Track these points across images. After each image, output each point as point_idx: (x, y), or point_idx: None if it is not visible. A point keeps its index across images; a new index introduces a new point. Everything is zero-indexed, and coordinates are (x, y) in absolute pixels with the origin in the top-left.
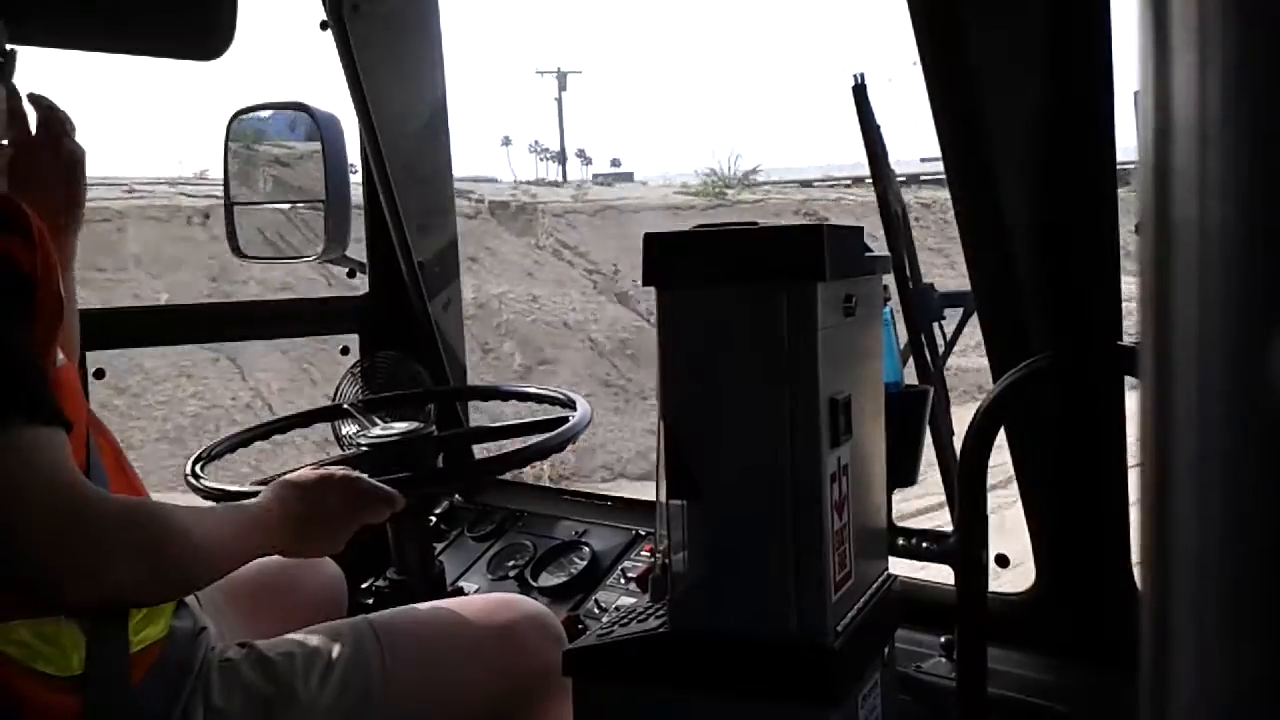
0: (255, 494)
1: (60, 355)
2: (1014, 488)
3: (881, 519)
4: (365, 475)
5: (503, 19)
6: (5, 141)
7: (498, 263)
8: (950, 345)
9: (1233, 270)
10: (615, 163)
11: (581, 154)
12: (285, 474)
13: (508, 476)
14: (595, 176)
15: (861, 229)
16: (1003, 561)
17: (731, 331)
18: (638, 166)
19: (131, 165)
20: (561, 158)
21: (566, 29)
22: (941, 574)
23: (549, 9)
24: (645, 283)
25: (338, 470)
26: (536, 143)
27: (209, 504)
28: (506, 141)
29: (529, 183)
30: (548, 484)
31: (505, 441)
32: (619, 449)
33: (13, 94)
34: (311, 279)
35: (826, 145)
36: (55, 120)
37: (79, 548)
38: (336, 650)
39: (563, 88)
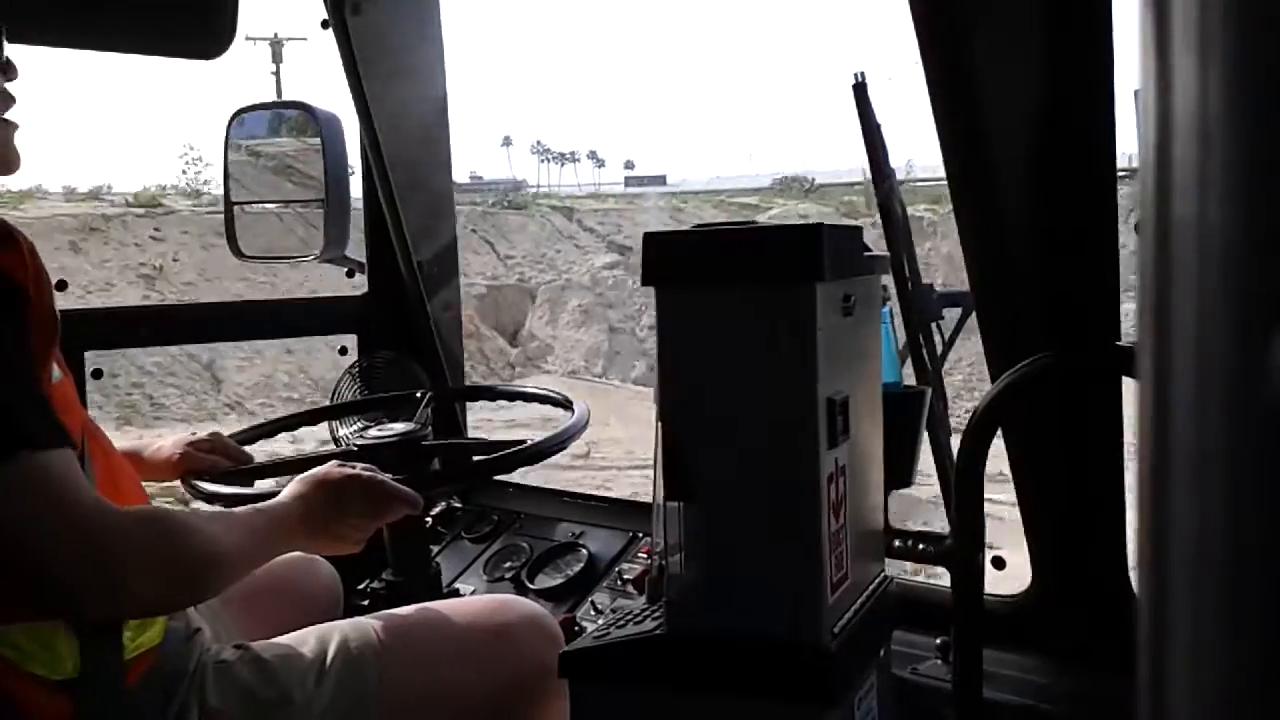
0: (260, 497)
1: (56, 370)
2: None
3: (879, 520)
4: (386, 476)
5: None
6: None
7: None
8: (949, 346)
9: (1232, 270)
10: (629, 164)
11: (594, 155)
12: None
13: (505, 478)
14: (627, 180)
15: (860, 229)
16: (999, 564)
17: (730, 331)
18: (667, 168)
19: None
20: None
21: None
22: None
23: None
24: (644, 282)
25: (360, 469)
26: (539, 143)
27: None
28: (507, 142)
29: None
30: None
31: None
32: None
33: (8, 67)
34: None
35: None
36: None
37: (96, 564)
38: (332, 652)
39: (278, 59)
